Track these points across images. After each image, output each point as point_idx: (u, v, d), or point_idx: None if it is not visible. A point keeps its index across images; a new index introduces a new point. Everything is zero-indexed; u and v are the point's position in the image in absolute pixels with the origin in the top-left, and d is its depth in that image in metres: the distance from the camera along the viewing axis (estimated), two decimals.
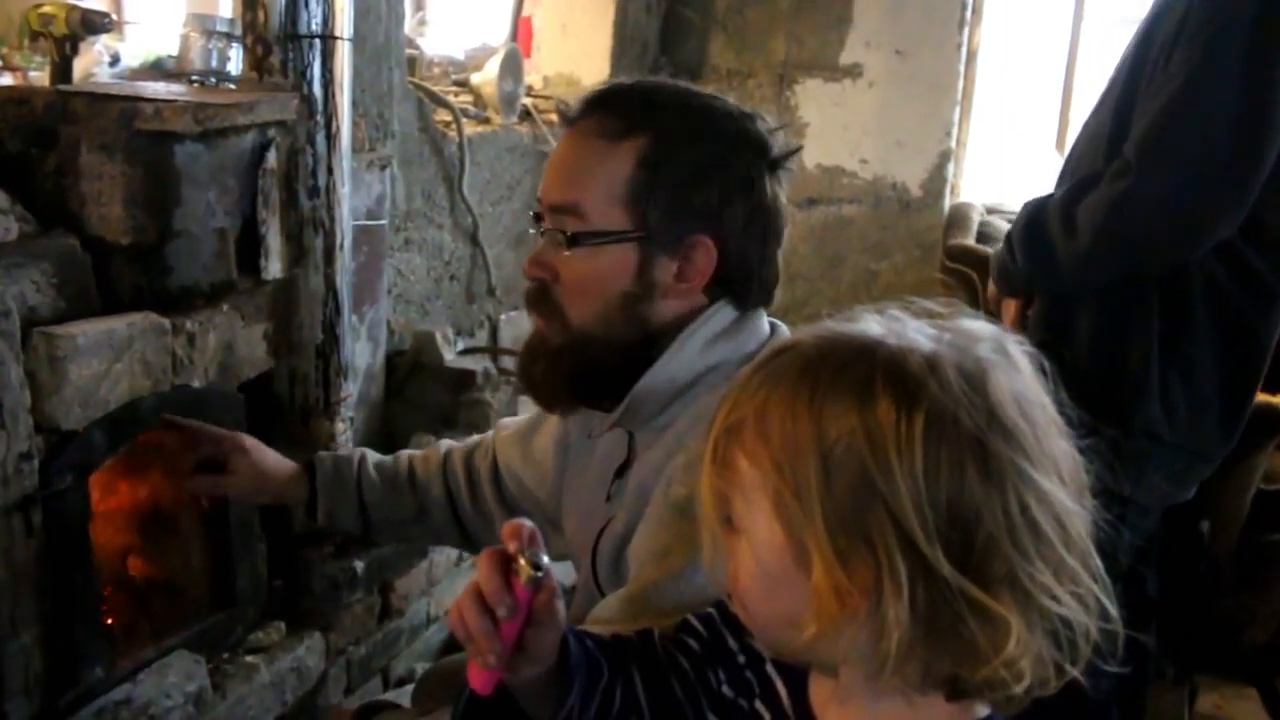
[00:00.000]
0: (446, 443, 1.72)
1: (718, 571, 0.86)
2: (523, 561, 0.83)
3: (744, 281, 1.25)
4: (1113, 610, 0.78)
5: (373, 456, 1.69)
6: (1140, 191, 1.58)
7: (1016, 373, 0.79)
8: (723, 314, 1.25)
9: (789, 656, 0.86)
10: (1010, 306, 1.86)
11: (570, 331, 1.26)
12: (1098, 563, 0.78)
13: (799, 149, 1.30)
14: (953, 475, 0.73)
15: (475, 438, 1.69)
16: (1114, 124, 1.71)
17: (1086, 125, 1.86)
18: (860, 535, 0.74)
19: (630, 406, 1.25)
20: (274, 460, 1.67)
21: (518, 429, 1.61)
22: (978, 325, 0.81)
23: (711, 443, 0.83)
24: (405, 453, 1.71)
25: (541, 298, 1.28)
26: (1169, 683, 2.13)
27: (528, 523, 0.87)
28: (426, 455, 1.69)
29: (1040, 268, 1.76)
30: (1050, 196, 1.77)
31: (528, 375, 1.32)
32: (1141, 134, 1.60)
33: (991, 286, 1.92)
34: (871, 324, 0.81)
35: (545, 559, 0.84)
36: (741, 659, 0.96)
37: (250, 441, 1.67)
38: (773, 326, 1.32)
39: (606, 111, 1.24)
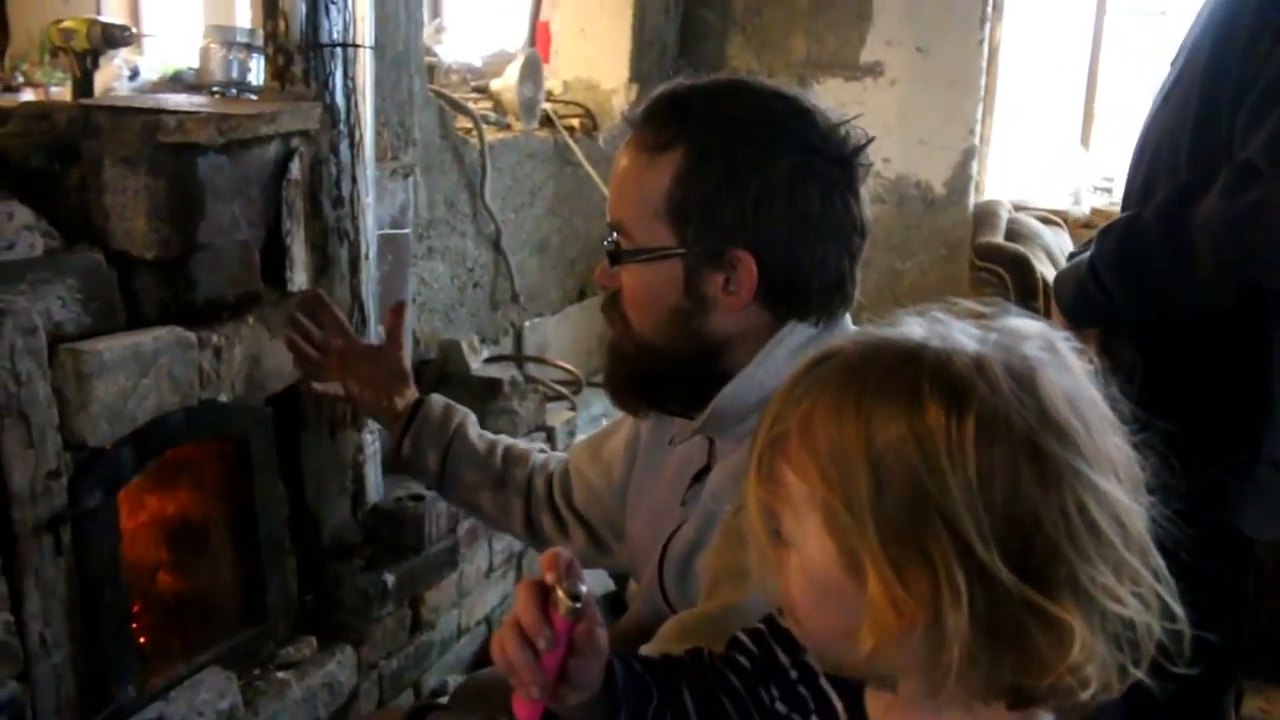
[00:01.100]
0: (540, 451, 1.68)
1: (768, 586, 0.83)
2: (561, 593, 0.81)
3: (802, 291, 1.19)
4: (1177, 609, 0.75)
5: (475, 420, 1.65)
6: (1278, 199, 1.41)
7: (1066, 370, 0.76)
8: (799, 331, 1.21)
9: (845, 671, 0.83)
10: (1090, 337, 1.69)
11: (635, 340, 1.26)
12: (1159, 560, 0.75)
13: (869, 141, 1.20)
14: (1007, 478, 0.70)
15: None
16: (1197, 129, 1.57)
17: (1152, 132, 1.70)
18: (915, 544, 0.71)
19: (713, 413, 1.22)
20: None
21: (591, 437, 1.61)
22: (1023, 323, 0.79)
23: (755, 456, 0.80)
24: (504, 439, 1.67)
25: (612, 306, 1.29)
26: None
27: (565, 552, 0.84)
28: (521, 443, 1.67)
29: (1145, 294, 1.60)
30: (1137, 216, 1.60)
31: (609, 377, 1.33)
32: (1272, 136, 1.43)
33: (1057, 314, 1.75)
34: (914, 326, 0.79)
35: (584, 588, 0.82)
36: (794, 674, 0.93)
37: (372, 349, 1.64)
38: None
39: (650, 123, 1.21)
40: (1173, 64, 1.72)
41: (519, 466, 1.61)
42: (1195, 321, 1.59)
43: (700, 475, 1.30)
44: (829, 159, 1.17)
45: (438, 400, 1.61)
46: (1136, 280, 1.60)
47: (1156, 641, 0.74)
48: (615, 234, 1.23)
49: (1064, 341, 0.78)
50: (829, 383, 0.77)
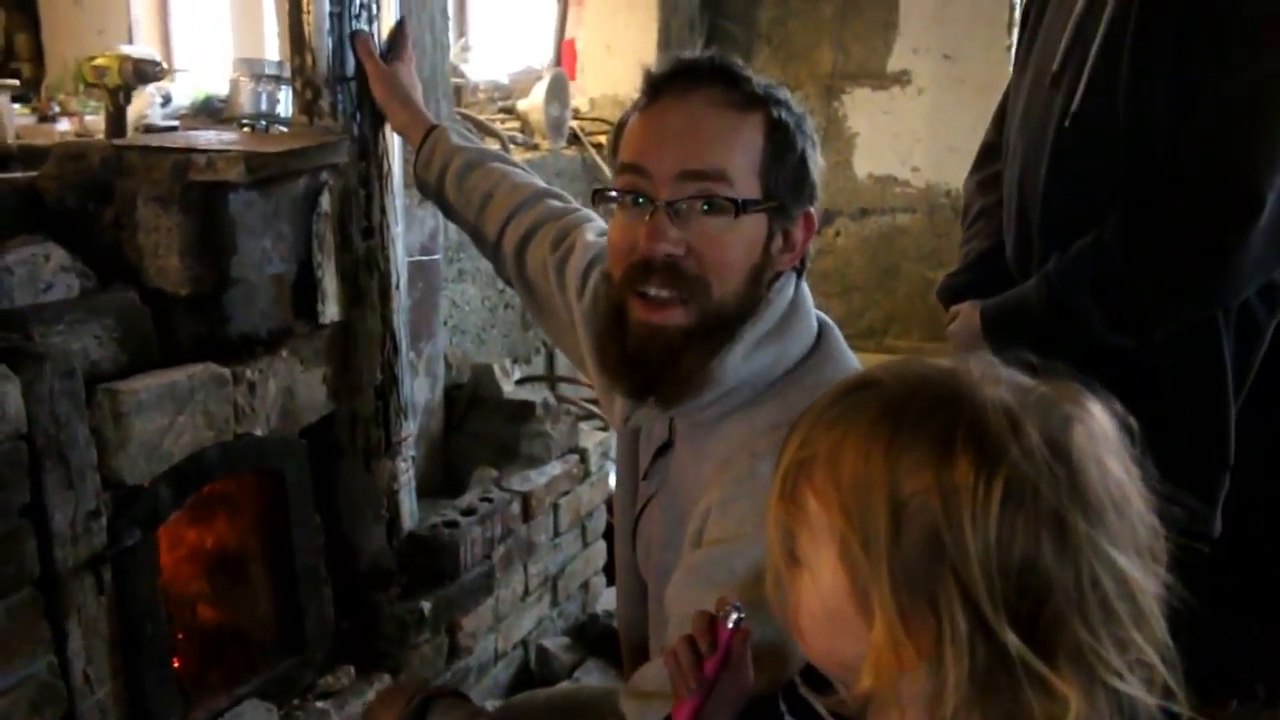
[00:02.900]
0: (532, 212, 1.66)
1: (779, 604, 0.85)
2: (726, 609, 0.95)
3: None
4: (1178, 690, 0.75)
5: (464, 161, 1.72)
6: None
7: (1102, 438, 0.76)
8: (781, 298, 1.25)
9: (846, 692, 0.84)
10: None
11: (707, 310, 1.20)
12: (1167, 638, 0.75)
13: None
14: (1026, 546, 0.71)
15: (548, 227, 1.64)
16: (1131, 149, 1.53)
17: (1054, 155, 1.62)
18: (924, 595, 0.72)
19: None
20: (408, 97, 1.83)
21: (555, 252, 1.56)
22: (1066, 385, 0.78)
23: (780, 475, 0.81)
24: (497, 174, 1.70)
25: (674, 275, 1.19)
26: (1260, 703, 2.06)
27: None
28: (507, 194, 1.67)
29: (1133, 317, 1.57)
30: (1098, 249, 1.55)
31: (646, 365, 1.23)
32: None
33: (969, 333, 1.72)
34: (958, 368, 0.78)
35: (744, 613, 0.95)
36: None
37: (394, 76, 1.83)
38: (821, 327, 1.30)
39: (729, 82, 1.23)
40: (1021, 65, 1.70)
41: (489, 225, 1.68)
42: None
43: (662, 450, 1.32)
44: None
45: (441, 135, 1.74)
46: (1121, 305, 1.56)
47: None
48: (706, 184, 1.18)
49: (1102, 407, 0.78)
50: (863, 413, 0.77)
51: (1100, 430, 0.76)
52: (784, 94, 1.27)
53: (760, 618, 1.04)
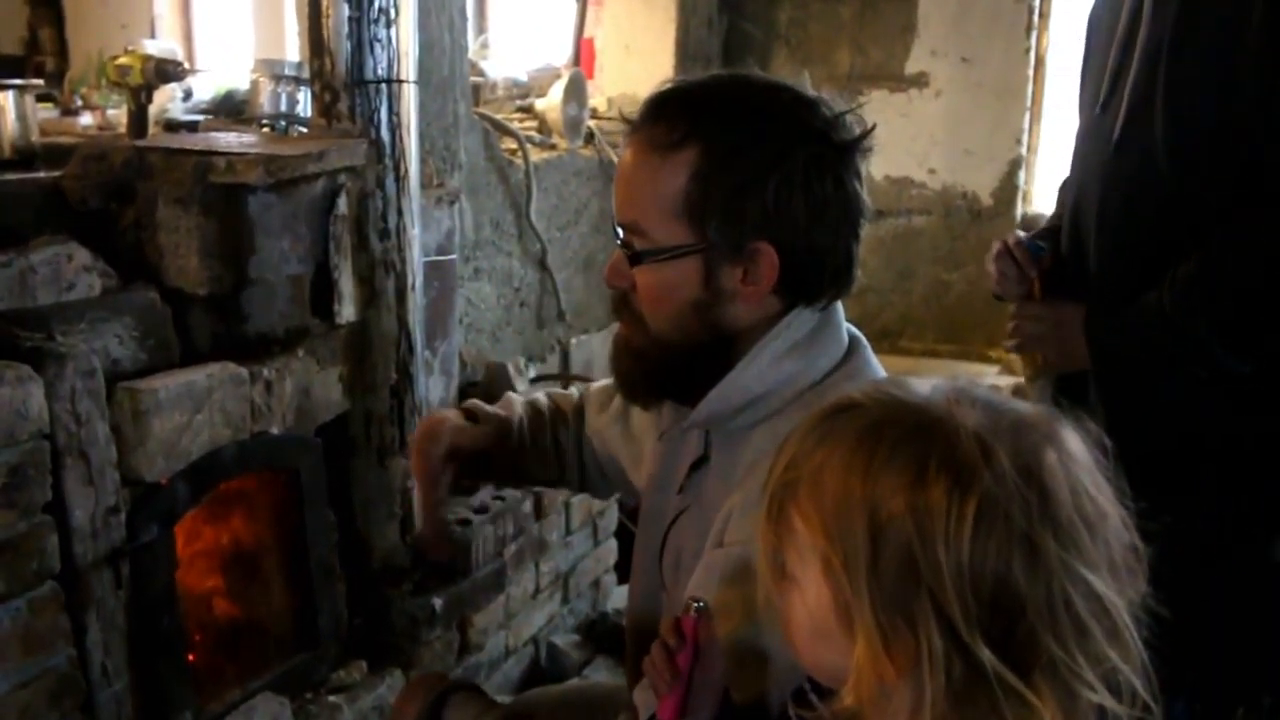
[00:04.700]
0: (575, 393, 1.68)
1: (772, 618, 0.89)
2: (688, 603, 0.98)
3: (816, 275, 1.22)
4: (1153, 704, 0.78)
5: (520, 414, 1.62)
6: None
7: (1073, 461, 0.78)
8: (799, 323, 1.23)
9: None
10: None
11: (649, 337, 1.26)
12: (1140, 650, 0.77)
13: (873, 128, 1.22)
14: (998, 566, 0.73)
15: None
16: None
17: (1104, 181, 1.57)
18: (903, 614, 0.75)
19: (703, 411, 1.26)
20: (470, 433, 1.57)
21: (615, 411, 1.58)
22: (1036, 409, 0.81)
23: (768, 495, 0.84)
24: (547, 406, 1.64)
25: (623, 305, 1.29)
26: (1265, 713, 2.05)
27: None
28: (563, 409, 1.65)
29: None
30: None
31: (616, 371, 1.34)
32: None
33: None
34: (936, 394, 0.80)
35: (703, 604, 0.98)
36: None
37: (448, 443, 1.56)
38: (852, 341, 1.29)
39: (658, 122, 1.20)
40: (1087, 86, 1.63)
41: (571, 449, 1.64)
42: None
43: (698, 464, 1.33)
44: (837, 146, 1.19)
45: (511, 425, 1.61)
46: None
47: None
48: (630, 235, 1.22)
49: (1072, 427, 0.80)
50: (843, 439, 0.80)
51: (1071, 452, 0.78)
52: (739, 123, 1.20)
53: (762, 622, 1.06)
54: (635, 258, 1.21)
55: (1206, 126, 1.45)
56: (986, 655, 0.72)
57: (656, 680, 0.99)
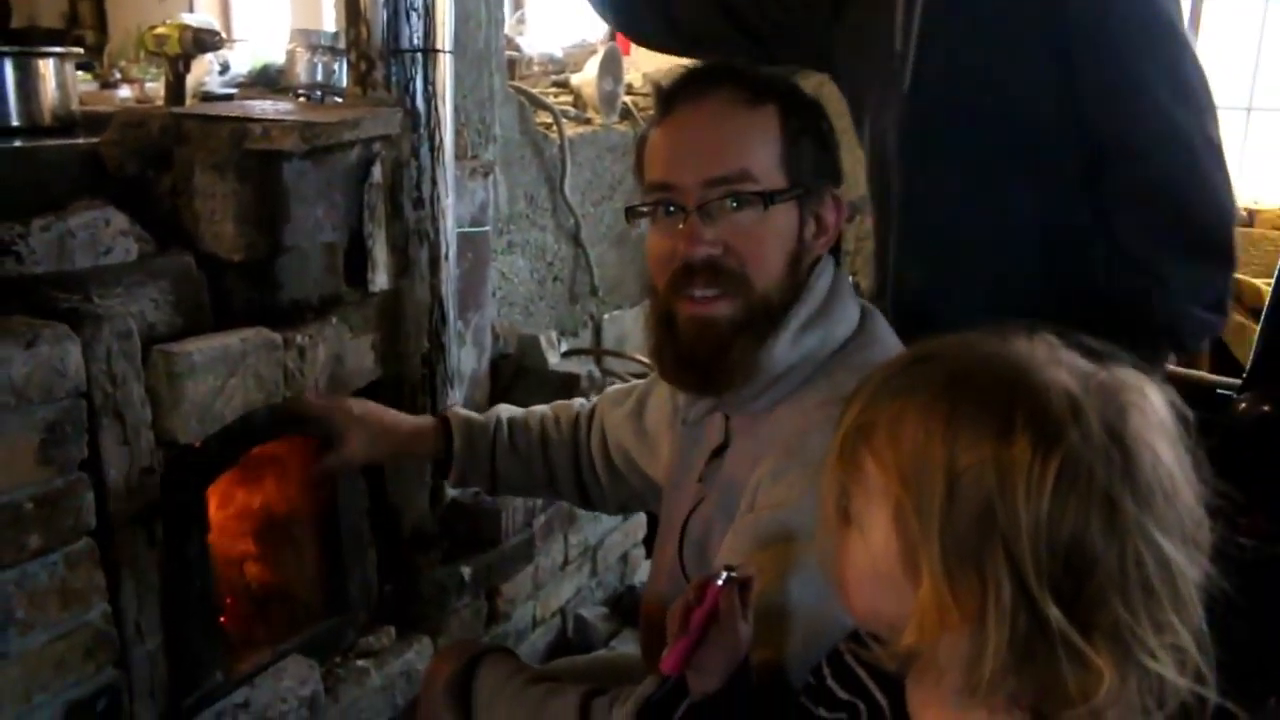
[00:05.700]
0: (580, 403, 1.74)
1: (826, 561, 0.88)
2: (719, 570, 1.01)
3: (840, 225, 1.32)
4: (1209, 676, 0.77)
5: (507, 416, 1.71)
6: None
7: (1159, 427, 0.77)
8: (821, 284, 1.27)
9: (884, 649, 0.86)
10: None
11: (752, 302, 1.23)
12: (1203, 625, 0.77)
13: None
14: (1076, 524, 0.73)
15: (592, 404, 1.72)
16: None
17: None
18: (973, 563, 0.74)
19: (730, 398, 1.27)
20: (391, 417, 1.70)
21: (629, 408, 1.62)
22: (1127, 372, 0.80)
23: (841, 437, 0.84)
24: (540, 412, 1.73)
25: (716, 274, 1.23)
26: (1272, 709, 2.04)
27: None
28: (559, 417, 1.72)
29: None
30: None
31: (702, 355, 1.26)
32: None
33: None
34: (1021, 348, 0.80)
35: (734, 573, 1.00)
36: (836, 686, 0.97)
37: (356, 403, 1.70)
38: (864, 308, 1.32)
39: (734, 82, 1.25)
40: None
41: (564, 452, 1.68)
42: None
43: (719, 451, 1.33)
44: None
45: (459, 419, 1.69)
46: None
47: (1181, 702, 0.77)
48: (732, 187, 1.22)
49: (1160, 394, 0.79)
50: (926, 386, 0.79)
51: (1157, 419, 0.78)
52: (793, 82, 1.30)
53: (792, 581, 1.09)
54: (767, 198, 1.22)
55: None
56: (1054, 612, 0.72)
57: (670, 628, 1.00)
